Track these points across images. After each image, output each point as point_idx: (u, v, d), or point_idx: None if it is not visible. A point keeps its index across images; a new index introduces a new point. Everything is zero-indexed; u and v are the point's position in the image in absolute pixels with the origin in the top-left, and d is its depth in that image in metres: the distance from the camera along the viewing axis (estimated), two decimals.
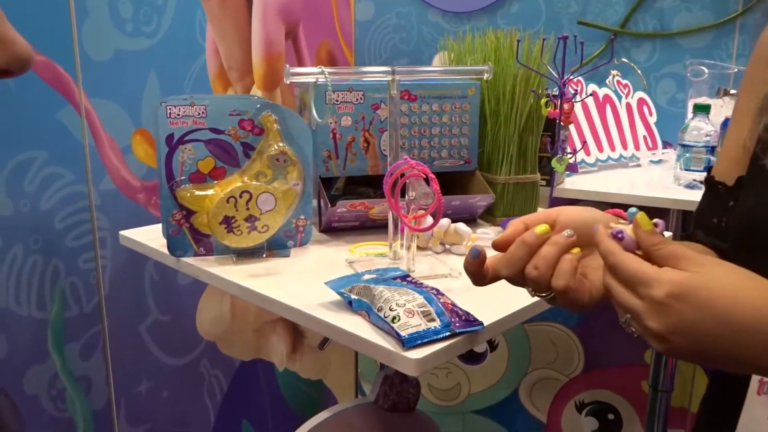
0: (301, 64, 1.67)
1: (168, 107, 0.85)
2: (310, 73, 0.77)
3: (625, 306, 0.47)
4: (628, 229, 0.48)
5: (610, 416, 1.91)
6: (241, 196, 0.85)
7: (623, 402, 1.89)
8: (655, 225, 0.48)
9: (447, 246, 0.94)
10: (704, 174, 1.26)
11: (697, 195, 1.23)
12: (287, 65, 0.76)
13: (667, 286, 0.44)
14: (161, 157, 0.86)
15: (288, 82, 0.76)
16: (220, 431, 1.49)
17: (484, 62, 1.09)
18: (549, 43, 0.98)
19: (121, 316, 1.20)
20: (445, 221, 0.93)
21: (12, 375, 1.03)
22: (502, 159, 1.08)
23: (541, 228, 0.54)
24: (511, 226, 0.56)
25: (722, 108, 1.42)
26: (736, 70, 1.54)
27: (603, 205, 1.32)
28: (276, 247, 0.93)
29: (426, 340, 0.63)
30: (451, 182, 1.14)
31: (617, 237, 0.48)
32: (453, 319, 0.66)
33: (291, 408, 1.67)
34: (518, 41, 0.97)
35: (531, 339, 1.90)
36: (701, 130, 1.25)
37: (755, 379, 0.57)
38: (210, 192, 0.87)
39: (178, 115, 0.86)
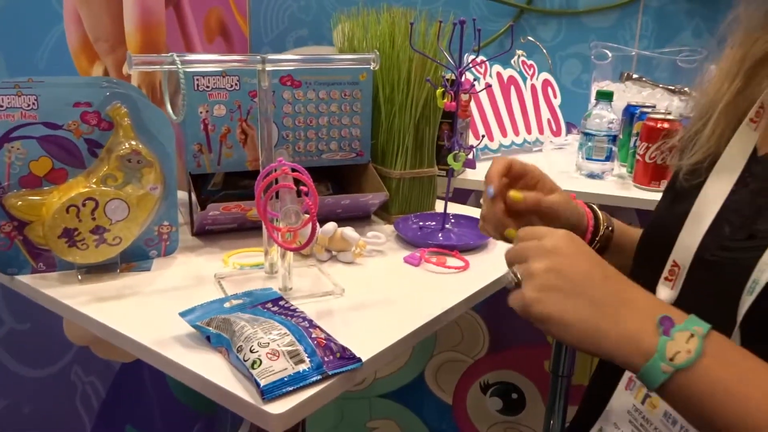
0: (185, 34, 1.50)
1: None
2: (159, 62, 0.64)
3: (520, 250, 0.52)
4: None
5: (514, 396, 1.92)
6: (84, 205, 0.72)
7: (526, 382, 1.90)
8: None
9: (334, 253, 0.85)
10: (606, 164, 1.23)
11: (597, 186, 1.20)
12: (129, 52, 0.63)
13: (558, 233, 0.51)
14: None
15: (128, 72, 0.63)
16: None
17: (378, 44, 0.99)
18: (446, 27, 0.89)
19: None
20: (330, 226, 0.84)
21: None
22: (397, 151, 0.99)
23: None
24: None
25: (624, 93, 1.39)
26: (637, 53, 1.52)
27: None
28: (135, 258, 0.81)
29: (293, 387, 0.54)
30: (342, 176, 1.04)
31: None
32: (326, 358, 0.57)
33: (184, 405, 1.56)
34: (411, 24, 0.88)
35: None
36: (604, 118, 1.21)
37: (626, 375, 0.59)
38: (48, 199, 0.73)
39: (1, 106, 0.70)
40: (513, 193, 0.67)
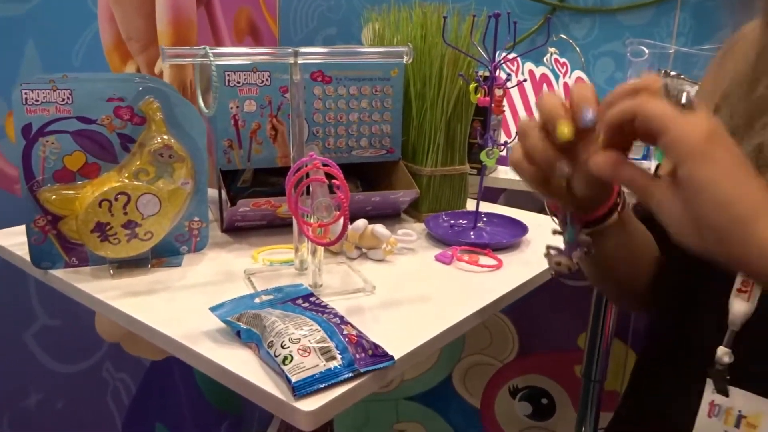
0: (216, 34, 1.51)
1: (24, 91, 0.70)
2: (191, 54, 0.64)
3: (659, 112, 0.40)
4: None
5: (544, 401, 1.89)
6: (116, 199, 0.72)
7: (556, 387, 1.86)
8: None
9: (364, 250, 0.84)
10: (643, 162, 1.20)
11: None
12: (162, 45, 0.63)
13: (704, 115, 0.40)
14: (18, 153, 0.72)
15: (161, 67, 0.63)
16: None
17: (409, 40, 0.98)
18: (480, 21, 0.88)
19: (0, 323, 1.05)
20: (361, 223, 0.82)
21: None
22: (428, 148, 0.97)
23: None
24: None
25: None
26: (675, 50, 1.48)
27: (535, 201, 1.24)
28: (165, 253, 0.80)
29: (324, 384, 0.53)
30: (373, 173, 1.03)
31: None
32: (358, 356, 0.56)
33: (212, 404, 1.57)
34: (444, 18, 0.86)
35: None
36: None
37: (705, 403, 0.54)
38: (81, 193, 0.73)
39: (37, 101, 0.71)
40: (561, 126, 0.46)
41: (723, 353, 0.53)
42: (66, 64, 1.09)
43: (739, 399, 0.52)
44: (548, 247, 0.59)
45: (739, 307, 0.53)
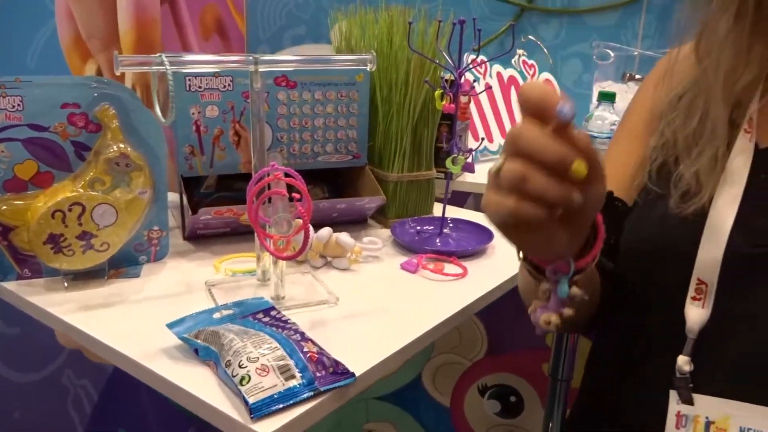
0: (181, 32, 1.48)
1: None
2: (147, 62, 0.62)
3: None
4: None
5: (512, 398, 1.90)
6: (70, 210, 0.70)
7: (525, 384, 1.88)
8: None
9: (329, 259, 0.83)
10: None
11: None
12: (116, 53, 0.61)
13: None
14: None
15: (118, 73, 0.61)
16: None
17: (376, 44, 0.97)
18: (446, 26, 0.87)
19: None
20: (325, 231, 0.81)
21: None
22: (395, 153, 0.96)
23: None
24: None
25: (627, 94, 1.37)
26: (640, 53, 1.49)
27: None
28: (124, 263, 0.78)
29: (282, 404, 0.52)
30: (339, 179, 1.02)
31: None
32: (318, 374, 0.55)
33: (176, 409, 1.54)
34: (410, 23, 0.85)
35: None
36: (606, 119, 1.19)
37: (672, 413, 0.54)
38: (33, 203, 0.71)
39: None
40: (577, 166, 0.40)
41: (683, 362, 0.54)
42: (21, 66, 1.05)
43: (704, 405, 0.53)
44: (534, 304, 0.52)
45: (695, 314, 0.53)
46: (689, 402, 0.53)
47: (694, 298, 0.53)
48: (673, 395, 0.54)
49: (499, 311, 1.75)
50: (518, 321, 1.80)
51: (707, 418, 0.52)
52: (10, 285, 0.73)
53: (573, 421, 0.71)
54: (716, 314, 0.53)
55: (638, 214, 0.63)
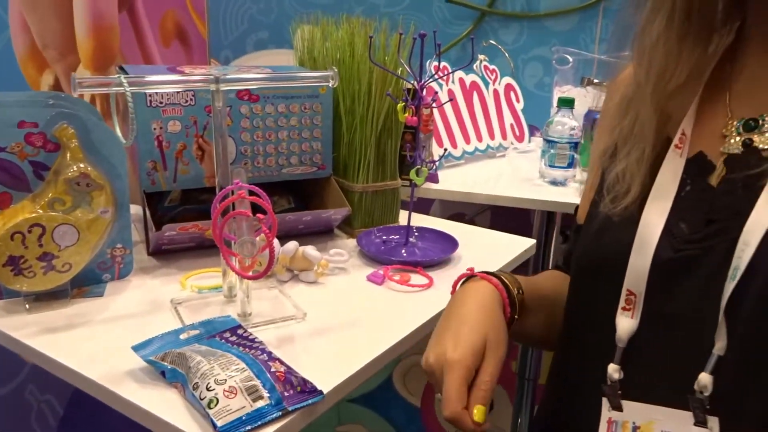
0: (140, 38, 1.45)
1: None
2: (106, 83, 0.61)
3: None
4: None
5: None
6: (30, 231, 0.69)
7: None
8: None
9: (295, 272, 0.83)
10: (568, 170, 1.24)
11: (560, 193, 1.21)
12: (73, 74, 0.60)
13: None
14: None
15: (76, 95, 0.60)
16: None
17: (338, 54, 0.97)
18: (407, 39, 0.88)
19: None
20: (292, 245, 0.82)
21: None
22: (359, 164, 0.97)
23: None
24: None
25: (585, 98, 1.40)
26: (597, 57, 1.53)
27: (466, 206, 1.26)
28: (87, 282, 0.77)
29: (251, 426, 0.52)
30: (304, 189, 1.03)
31: None
32: (286, 393, 0.55)
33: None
34: (371, 37, 0.86)
35: None
36: (566, 125, 1.22)
37: (604, 419, 0.56)
38: None
39: None
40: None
41: (613, 370, 0.56)
42: None
43: (632, 411, 0.55)
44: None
45: (625, 324, 0.55)
46: (619, 408, 0.55)
47: (624, 309, 0.55)
48: (605, 402, 0.56)
49: None
50: None
51: (634, 423, 0.54)
52: None
53: (535, 422, 0.73)
54: (643, 321, 0.55)
55: (584, 228, 0.65)
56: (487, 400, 0.53)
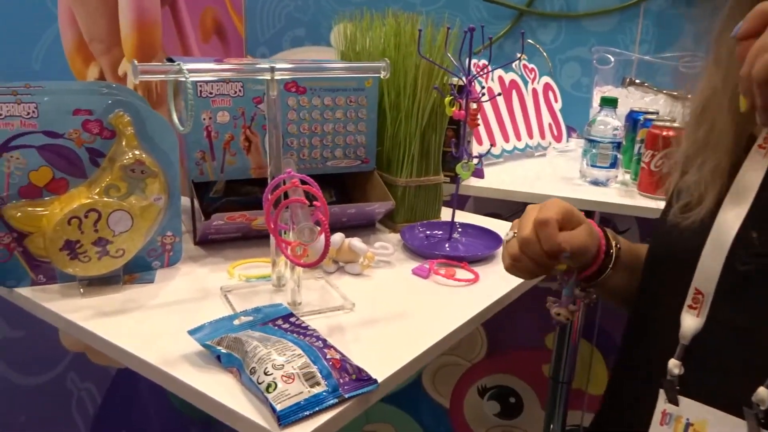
0: (181, 33, 1.47)
1: None
2: (164, 71, 0.62)
3: None
4: None
5: (512, 399, 1.91)
6: (86, 216, 0.70)
7: (524, 385, 1.89)
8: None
9: (341, 264, 0.83)
10: (611, 171, 1.22)
11: (601, 193, 1.19)
12: (134, 61, 0.61)
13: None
14: None
15: (137, 81, 0.61)
16: None
17: (382, 49, 0.97)
18: (453, 33, 0.88)
19: None
20: (338, 237, 0.82)
21: None
22: (403, 158, 0.97)
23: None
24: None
25: (627, 98, 1.39)
26: (638, 57, 1.51)
27: (509, 204, 1.25)
28: (137, 269, 0.78)
29: (309, 411, 0.52)
30: (347, 183, 1.03)
31: None
32: (342, 381, 0.55)
33: (179, 410, 1.54)
34: (420, 31, 0.86)
35: None
36: (608, 125, 1.20)
37: (659, 410, 0.57)
38: (48, 210, 0.71)
39: (0, 114, 0.68)
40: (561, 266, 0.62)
41: (674, 365, 0.56)
42: (26, 69, 1.05)
43: (688, 408, 0.55)
44: (548, 299, 0.65)
45: (689, 322, 0.55)
46: (675, 402, 0.56)
47: (690, 307, 0.55)
48: (662, 394, 0.57)
49: (499, 312, 1.77)
50: (517, 322, 1.82)
51: (687, 419, 0.55)
52: (25, 291, 0.73)
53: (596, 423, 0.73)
54: (709, 324, 0.55)
55: (655, 224, 0.65)
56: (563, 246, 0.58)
